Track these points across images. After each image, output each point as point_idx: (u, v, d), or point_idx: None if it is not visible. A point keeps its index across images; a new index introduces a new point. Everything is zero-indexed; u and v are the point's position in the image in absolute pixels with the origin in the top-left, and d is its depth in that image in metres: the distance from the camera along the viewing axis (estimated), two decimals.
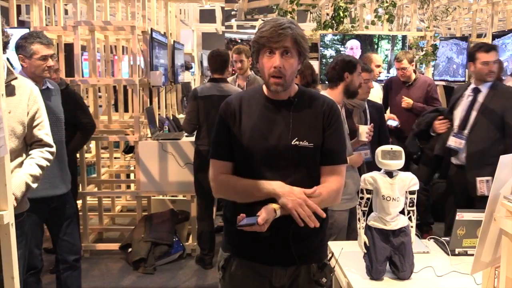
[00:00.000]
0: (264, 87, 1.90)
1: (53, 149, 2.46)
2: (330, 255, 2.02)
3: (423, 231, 4.56)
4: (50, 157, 2.44)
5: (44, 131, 2.43)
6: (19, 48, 2.94)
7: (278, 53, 1.76)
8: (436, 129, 3.63)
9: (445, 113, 3.65)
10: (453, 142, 3.50)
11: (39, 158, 2.37)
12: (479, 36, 7.54)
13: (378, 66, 4.57)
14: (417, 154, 3.92)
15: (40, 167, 2.35)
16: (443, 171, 3.77)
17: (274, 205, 1.75)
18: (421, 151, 3.90)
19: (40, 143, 2.42)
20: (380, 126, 3.56)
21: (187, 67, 8.17)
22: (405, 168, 2.20)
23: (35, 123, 2.40)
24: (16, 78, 2.33)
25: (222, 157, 1.89)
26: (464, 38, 6.53)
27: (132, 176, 6.04)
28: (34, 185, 2.33)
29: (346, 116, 3.38)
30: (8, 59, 4.16)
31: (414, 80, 4.88)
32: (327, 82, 3.24)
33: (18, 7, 6.93)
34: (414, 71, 4.94)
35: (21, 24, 6.99)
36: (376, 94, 4.38)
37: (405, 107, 4.79)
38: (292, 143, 1.81)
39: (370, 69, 3.45)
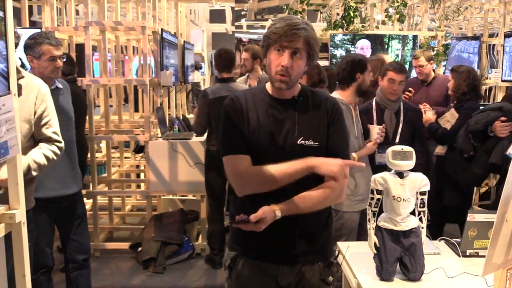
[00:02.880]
0: (268, 86, 1.89)
1: (62, 145, 2.48)
2: (336, 253, 2.01)
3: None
4: (58, 151, 2.45)
5: (52, 130, 2.44)
6: (27, 48, 2.92)
7: (288, 52, 1.74)
8: (496, 132, 3.31)
9: (509, 114, 3.31)
10: None
11: (46, 149, 2.39)
12: (491, 35, 7.47)
13: None
14: (469, 153, 3.53)
15: (46, 157, 2.36)
16: (500, 182, 3.35)
17: (274, 206, 1.73)
18: (474, 151, 3.50)
19: (49, 140, 2.44)
20: (415, 129, 3.40)
21: (197, 67, 8.18)
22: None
23: (43, 122, 2.41)
24: (23, 77, 2.34)
25: (241, 150, 1.81)
26: (475, 38, 6.48)
27: (142, 175, 6.07)
28: (34, 173, 2.32)
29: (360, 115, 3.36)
30: (20, 58, 4.20)
31: (433, 78, 4.76)
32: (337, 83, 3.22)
33: (30, 7, 6.98)
34: (434, 70, 4.83)
35: (33, 24, 7.04)
36: None
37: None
38: (298, 142, 1.81)
39: (399, 69, 3.30)
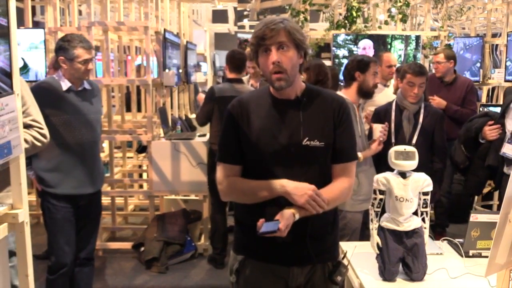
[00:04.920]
0: (271, 87, 1.88)
1: (44, 131, 2.41)
2: (342, 255, 2.01)
3: (436, 232, 4.51)
4: (39, 136, 2.37)
5: (30, 118, 2.37)
6: (61, 50, 2.96)
7: (274, 48, 1.75)
8: (486, 136, 3.28)
9: (496, 117, 3.30)
10: (509, 150, 3.11)
11: (23, 132, 2.31)
12: (494, 35, 7.46)
13: (390, 66, 4.39)
14: (464, 164, 3.54)
15: (24, 140, 2.23)
16: (497, 183, 3.32)
17: (292, 209, 1.74)
18: (469, 161, 3.52)
19: (30, 127, 2.36)
20: (435, 134, 3.37)
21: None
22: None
23: None
24: None
25: (230, 160, 1.88)
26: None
27: (144, 175, 6.07)
28: None
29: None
30: (22, 59, 4.21)
31: (454, 79, 4.66)
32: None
33: (33, 8, 7.00)
34: (455, 71, 4.72)
35: (36, 24, 7.06)
36: (390, 95, 4.14)
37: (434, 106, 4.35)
38: (303, 143, 1.81)
39: (418, 72, 3.26)
